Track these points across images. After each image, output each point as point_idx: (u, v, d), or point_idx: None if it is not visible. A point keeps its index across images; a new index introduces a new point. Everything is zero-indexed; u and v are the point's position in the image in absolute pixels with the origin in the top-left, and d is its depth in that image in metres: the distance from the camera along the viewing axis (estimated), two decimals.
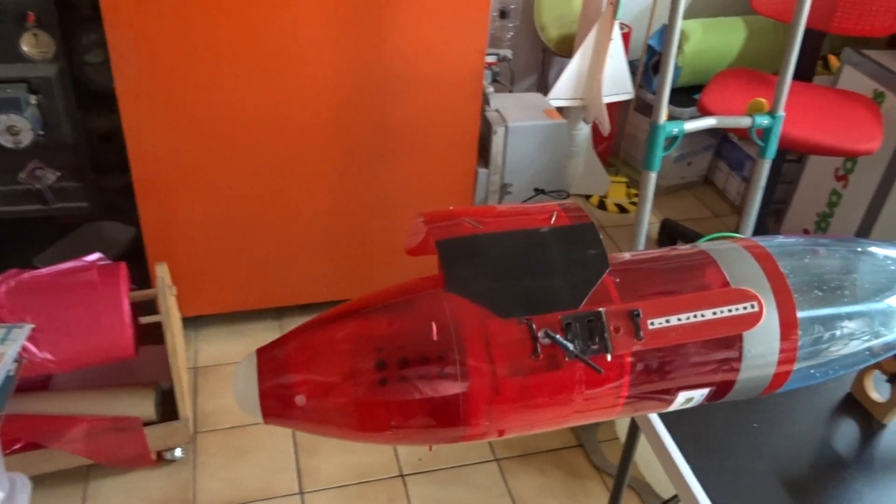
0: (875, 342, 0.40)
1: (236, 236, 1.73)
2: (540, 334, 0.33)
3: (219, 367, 1.77)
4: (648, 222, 1.45)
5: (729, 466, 0.72)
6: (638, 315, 0.34)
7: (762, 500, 0.69)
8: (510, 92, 2.41)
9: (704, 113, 1.72)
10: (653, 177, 1.40)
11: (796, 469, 0.71)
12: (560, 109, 2.24)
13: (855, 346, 0.40)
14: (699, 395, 0.37)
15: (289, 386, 0.33)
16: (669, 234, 2.41)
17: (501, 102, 2.16)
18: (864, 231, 2.08)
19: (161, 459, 1.49)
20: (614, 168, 2.80)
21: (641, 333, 0.34)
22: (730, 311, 0.36)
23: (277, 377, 0.33)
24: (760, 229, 1.96)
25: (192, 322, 1.83)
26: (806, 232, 2.33)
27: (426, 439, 0.36)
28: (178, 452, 1.50)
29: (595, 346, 0.34)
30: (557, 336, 0.33)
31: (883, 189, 2.03)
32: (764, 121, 1.44)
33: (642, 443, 1.00)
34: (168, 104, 1.54)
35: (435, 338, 0.33)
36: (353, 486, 1.57)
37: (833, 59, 2.41)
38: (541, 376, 0.34)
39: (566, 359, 0.34)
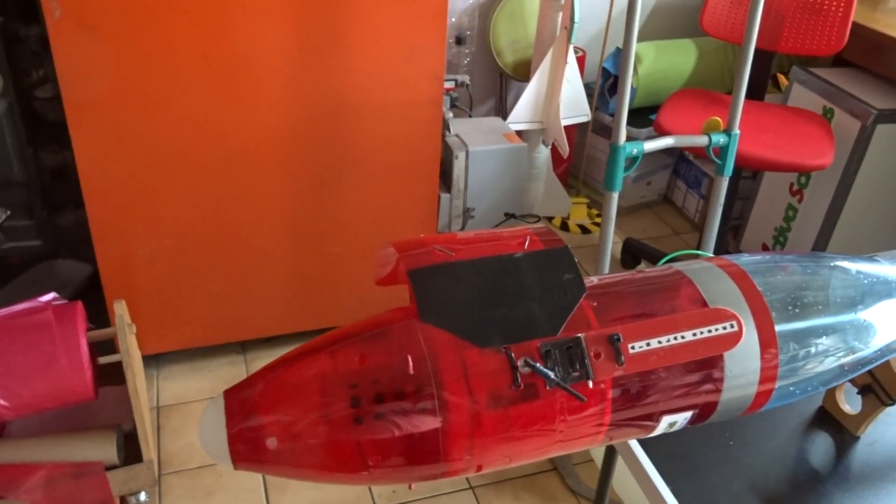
0: (851, 357, 0.40)
1: (195, 270, 1.69)
2: (519, 363, 0.32)
3: (182, 406, 1.73)
4: (612, 242, 1.46)
5: (707, 485, 0.71)
6: (618, 339, 0.33)
7: None
8: (469, 117, 2.42)
9: (661, 133, 1.75)
10: (615, 196, 1.41)
11: (773, 485, 0.71)
12: (519, 133, 2.26)
13: (832, 361, 0.40)
14: (682, 418, 0.36)
15: (259, 429, 0.32)
16: (632, 253, 2.43)
17: (461, 127, 2.17)
18: (821, 243, 2.13)
19: None
20: (575, 189, 2.82)
21: (622, 358, 0.33)
22: (709, 331, 0.35)
23: (246, 420, 0.32)
24: (720, 246, 1.98)
25: (154, 360, 1.78)
26: (765, 247, 2.37)
27: (405, 478, 0.35)
28: (142, 496, 1.45)
29: (576, 374, 0.33)
30: (538, 364, 0.32)
31: (837, 202, 2.08)
32: (720, 139, 1.46)
33: (619, 463, 0.99)
34: (121, 137, 1.51)
35: (411, 371, 0.31)
36: None
37: (782, 78, 2.48)
38: (521, 407, 0.33)
39: (546, 387, 0.33)
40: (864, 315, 0.41)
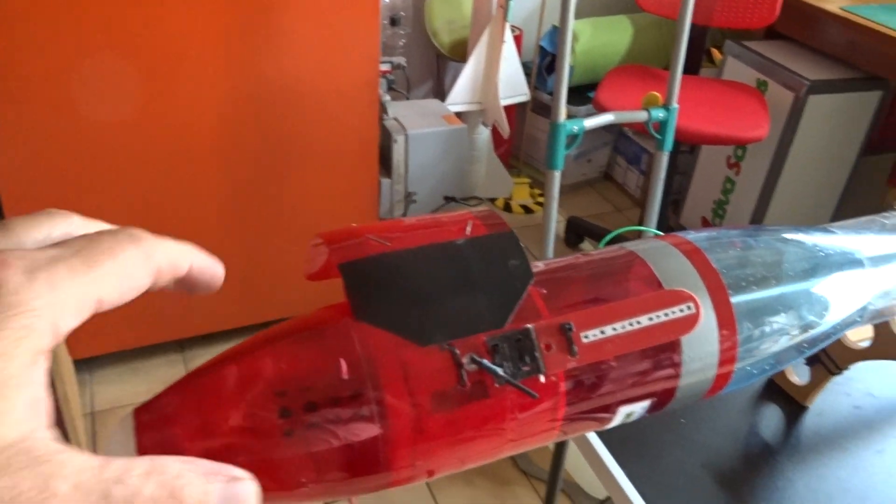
0: (810, 333, 0.39)
1: None
2: (465, 360, 0.29)
3: (118, 410, 1.66)
4: (556, 221, 1.44)
5: (660, 465, 0.70)
6: (570, 329, 0.31)
7: (696, 495, 0.68)
8: (407, 99, 2.38)
9: (601, 109, 1.74)
10: (557, 175, 1.40)
11: (727, 461, 0.71)
12: (459, 114, 2.23)
13: (790, 339, 0.38)
14: (640, 408, 0.34)
15: (175, 449, 0.28)
16: (576, 231, 2.44)
17: (399, 111, 2.13)
18: (759, 215, 2.16)
19: None
20: (516, 170, 2.81)
21: (575, 348, 0.31)
22: (666, 315, 0.33)
23: (160, 442, 0.28)
24: (661, 221, 1.99)
25: (86, 364, 1.70)
26: (704, 220, 2.40)
27: (345, 492, 0.32)
28: None
29: (526, 368, 0.31)
30: (485, 361, 0.29)
31: (773, 173, 2.11)
32: (659, 114, 1.46)
33: (571, 446, 0.98)
34: (39, 131, 1.43)
35: (345, 375, 0.28)
36: None
37: (716, 52, 2.51)
38: (469, 407, 0.30)
39: (496, 385, 0.30)
40: (821, 289, 0.39)
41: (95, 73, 1.42)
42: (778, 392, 0.77)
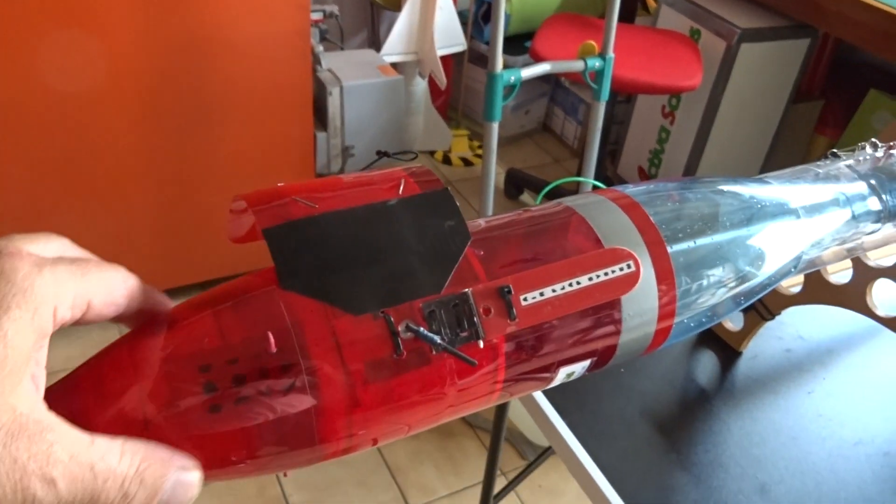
0: (746, 285, 0.39)
1: (51, 228, 1.55)
2: (400, 328, 0.28)
3: (50, 377, 1.60)
4: (495, 173, 1.43)
5: (601, 415, 0.71)
6: (509, 292, 0.30)
7: (635, 442, 0.69)
8: (341, 50, 2.31)
9: (537, 59, 1.72)
10: (495, 127, 1.38)
11: (665, 408, 0.72)
12: (395, 65, 2.18)
13: (728, 291, 0.38)
14: (580, 367, 0.34)
15: (90, 430, 0.26)
16: (515, 183, 2.44)
17: (333, 62, 2.07)
18: (693, 164, 2.20)
19: None
20: (454, 122, 2.78)
21: (514, 312, 0.30)
22: (606, 274, 0.32)
23: (72, 420, 0.26)
24: (599, 171, 2.00)
25: None
26: (641, 170, 2.43)
27: (279, 466, 0.30)
28: None
29: (464, 334, 0.29)
30: (421, 329, 0.28)
31: (706, 123, 2.14)
32: (595, 63, 1.45)
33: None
34: None
35: (273, 349, 0.26)
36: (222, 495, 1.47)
37: (650, 1, 2.50)
38: (406, 376, 0.29)
39: (433, 353, 0.29)
40: (757, 241, 0.39)
41: (6, 30, 1.33)
42: (713, 338, 0.79)
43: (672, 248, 0.35)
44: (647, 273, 0.34)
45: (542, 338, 0.32)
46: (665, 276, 0.35)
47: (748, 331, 0.76)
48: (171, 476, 0.26)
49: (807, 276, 0.70)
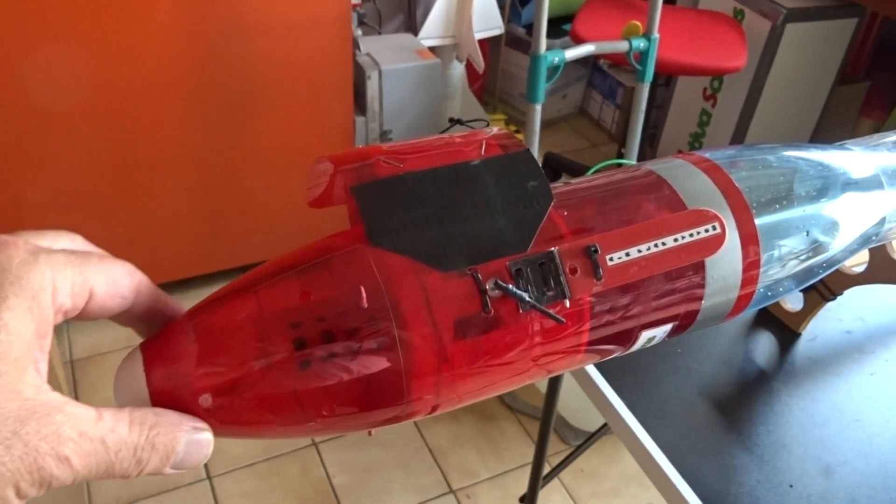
0: (828, 254, 0.38)
1: (97, 212, 1.58)
2: (488, 286, 0.28)
3: (98, 358, 1.63)
4: (538, 156, 1.42)
5: (658, 395, 0.70)
6: (595, 251, 0.29)
7: (694, 422, 0.68)
8: (379, 34, 2.31)
9: (579, 41, 1.71)
10: (538, 109, 1.37)
11: (723, 388, 0.71)
12: (432, 49, 2.17)
13: (809, 258, 0.37)
14: (662, 332, 0.33)
15: (187, 384, 0.26)
16: (553, 167, 2.41)
17: (372, 46, 2.07)
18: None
19: None
20: (491, 106, 2.76)
21: (601, 272, 0.29)
22: (691, 235, 0.31)
23: (171, 376, 0.26)
24: (638, 155, 1.98)
25: None
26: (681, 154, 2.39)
27: (365, 424, 0.30)
28: None
29: (551, 293, 0.29)
30: (510, 286, 0.28)
31: (749, 105, 2.10)
32: (640, 44, 1.43)
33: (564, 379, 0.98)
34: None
35: (365, 304, 0.26)
36: (263, 462, 1.49)
37: None
38: (493, 335, 0.28)
39: (520, 311, 0.28)
40: (841, 208, 0.38)
41: (53, 22, 1.35)
42: (770, 319, 0.77)
43: (756, 213, 0.34)
44: (732, 236, 0.33)
45: (627, 299, 0.31)
46: (749, 240, 0.34)
47: (808, 312, 0.75)
48: (182, 438, 0.26)
49: (872, 255, 0.68)
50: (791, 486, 0.62)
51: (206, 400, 0.27)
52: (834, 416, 0.67)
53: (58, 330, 1.64)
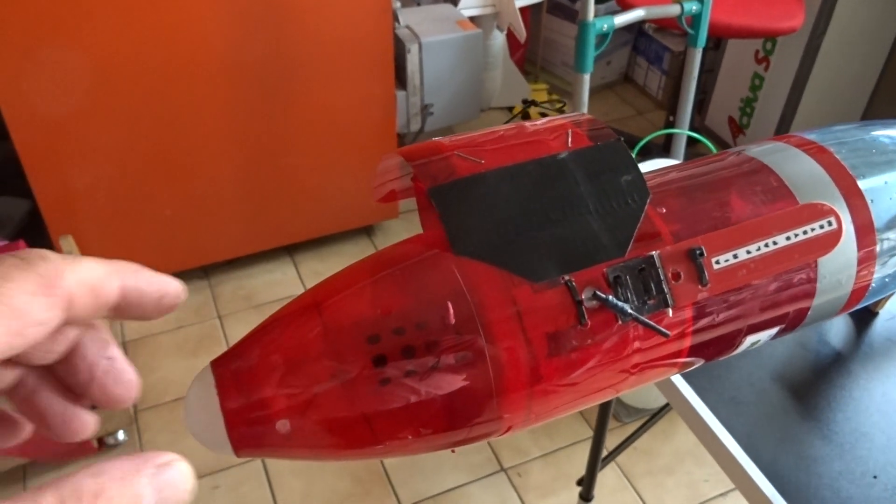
0: None
1: (143, 195, 1.58)
2: (585, 296, 0.25)
3: (149, 339, 1.65)
4: None
5: (728, 380, 0.67)
6: (701, 254, 0.26)
7: (768, 408, 0.65)
8: (418, 5, 2.27)
9: (627, 6, 1.64)
10: (586, 79, 1.32)
11: (798, 372, 0.67)
12: (472, 19, 2.12)
13: None
14: (767, 335, 0.30)
15: (263, 406, 0.24)
16: None
17: (411, 18, 2.03)
18: (789, 112, 2.08)
19: (103, 446, 1.38)
20: (532, 76, 2.71)
21: (706, 277, 0.26)
22: (805, 233, 0.28)
23: (246, 397, 0.24)
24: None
25: None
26: (731, 120, 2.31)
27: (449, 444, 0.28)
28: (120, 435, 1.39)
29: (652, 301, 0.26)
30: (610, 298, 0.25)
31: (805, 67, 2.01)
32: (693, 6, 1.37)
33: None
34: (43, 58, 1.36)
35: (452, 319, 0.24)
36: None
37: None
38: (589, 349, 0.26)
39: (619, 322, 0.26)
40: None
41: (98, 3, 1.34)
42: None
43: (869, 199, 0.31)
44: (847, 228, 0.30)
45: (733, 304, 0.28)
46: (865, 230, 0.31)
47: None
48: (144, 488, 0.20)
49: None
50: (875, 478, 0.59)
51: (283, 426, 0.25)
52: None
53: None
